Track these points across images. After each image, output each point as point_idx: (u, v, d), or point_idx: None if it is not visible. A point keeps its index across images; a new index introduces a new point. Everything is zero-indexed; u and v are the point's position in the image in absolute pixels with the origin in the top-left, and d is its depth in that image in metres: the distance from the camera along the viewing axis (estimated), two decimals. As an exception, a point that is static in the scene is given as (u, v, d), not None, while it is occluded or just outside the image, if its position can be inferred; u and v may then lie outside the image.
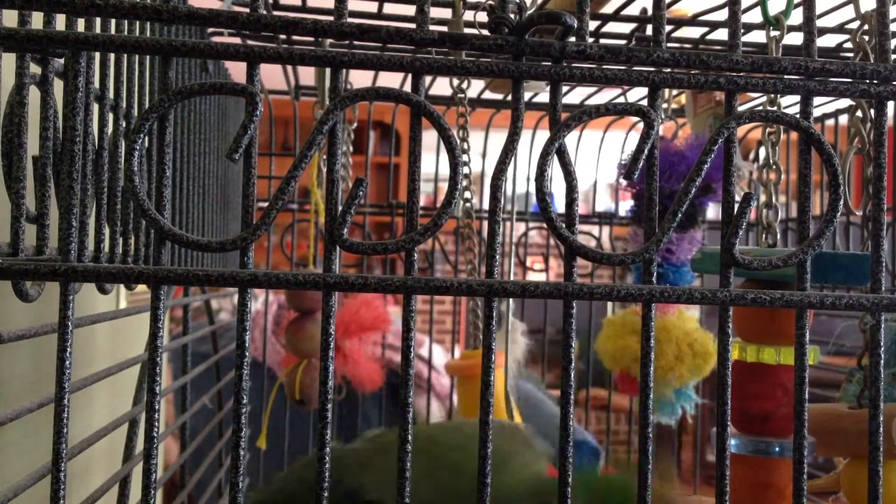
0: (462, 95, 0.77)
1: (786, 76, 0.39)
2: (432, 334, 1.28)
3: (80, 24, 0.43)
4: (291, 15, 0.42)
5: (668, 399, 0.87)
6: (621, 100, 1.09)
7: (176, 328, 2.02)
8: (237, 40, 0.75)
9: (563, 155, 0.37)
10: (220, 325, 1.29)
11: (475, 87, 0.96)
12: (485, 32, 0.38)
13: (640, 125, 0.38)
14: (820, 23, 0.65)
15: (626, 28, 0.84)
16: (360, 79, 0.78)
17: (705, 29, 0.86)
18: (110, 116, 0.50)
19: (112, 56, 0.49)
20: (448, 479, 0.52)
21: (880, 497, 0.38)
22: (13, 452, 0.69)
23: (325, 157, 1.02)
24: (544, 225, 0.46)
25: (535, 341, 0.97)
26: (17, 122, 0.39)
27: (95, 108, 0.48)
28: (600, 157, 1.28)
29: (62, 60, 0.41)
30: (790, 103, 0.93)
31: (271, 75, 0.92)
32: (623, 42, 0.86)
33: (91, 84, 0.45)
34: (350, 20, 0.37)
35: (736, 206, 0.39)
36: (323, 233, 0.40)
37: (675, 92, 0.93)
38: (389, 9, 0.83)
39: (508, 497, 0.50)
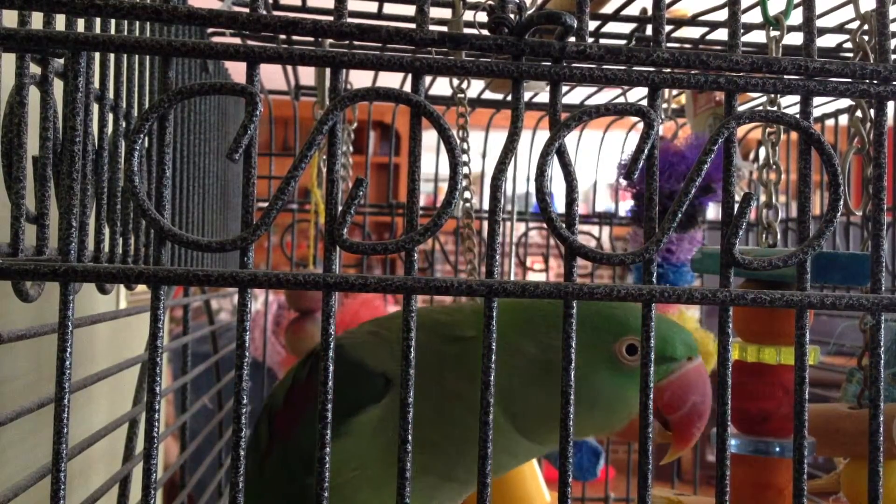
0: (462, 95, 0.77)
1: (786, 76, 0.39)
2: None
3: (80, 24, 0.43)
4: (291, 15, 0.42)
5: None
6: (621, 100, 1.09)
7: (176, 328, 2.02)
8: (237, 40, 0.75)
9: (563, 155, 0.37)
10: (220, 325, 1.29)
11: (475, 87, 0.96)
12: (485, 32, 0.38)
13: (640, 125, 0.38)
14: (820, 23, 0.65)
15: (626, 28, 0.84)
16: (360, 79, 0.78)
17: (705, 29, 0.86)
18: (110, 116, 0.50)
19: (112, 56, 0.49)
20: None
21: (880, 497, 0.38)
22: (13, 452, 0.69)
23: (325, 157, 1.02)
24: (544, 225, 0.46)
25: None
26: (17, 122, 0.39)
27: (95, 108, 0.48)
28: (600, 157, 1.27)
29: (62, 60, 0.41)
30: (790, 103, 0.93)
31: (271, 75, 0.92)
32: (623, 42, 0.86)
33: (91, 84, 0.45)
34: (350, 20, 0.37)
35: (736, 206, 0.39)
36: (323, 233, 0.40)
37: (675, 92, 0.93)
38: (389, 9, 0.83)
39: None
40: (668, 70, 0.39)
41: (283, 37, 0.88)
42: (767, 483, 0.57)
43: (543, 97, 0.97)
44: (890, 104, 0.40)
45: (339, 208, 0.36)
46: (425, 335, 0.55)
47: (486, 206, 1.26)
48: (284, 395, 0.61)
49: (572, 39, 0.38)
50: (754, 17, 0.62)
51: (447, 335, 0.56)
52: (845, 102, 1.02)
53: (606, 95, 1.13)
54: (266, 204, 0.36)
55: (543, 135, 0.46)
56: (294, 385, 0.61)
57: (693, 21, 0.84)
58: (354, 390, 0.56)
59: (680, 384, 0.53)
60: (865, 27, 0.60)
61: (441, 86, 0.97)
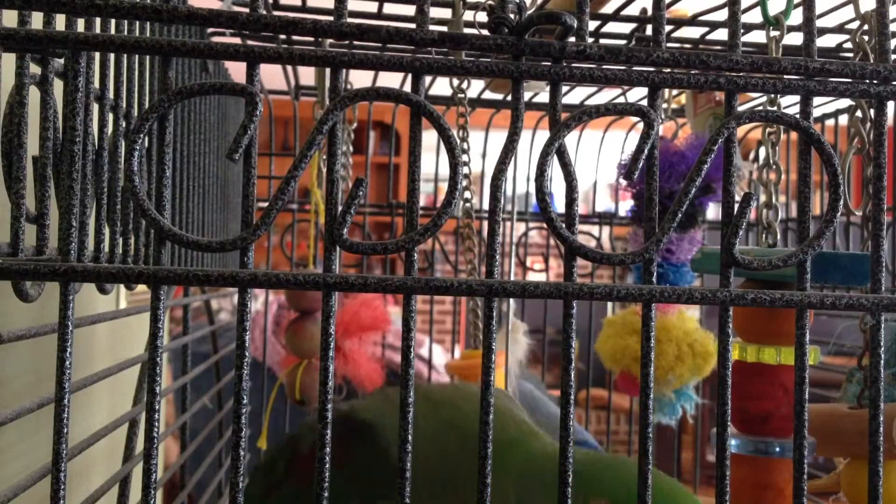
0: (462, 95, 0.77)
1: (786, 76, 0.39)
2: (432, 334, 1.28)
3: (80, 24, 0.43)
4: (291, 15, 0.42)
5: (669, 399, 0.87)
6: (621, 100, 1.09)
7: (176, 328, 2.02)
8: (237, 40, 0.75)
9: (563, 155, 0.37)
10: (220, 325, 1.29)
11: (475, 87, 0.96)
12: (485, 32, 0.38)
13: (640, 125, 0.38)
14: (820, 23, 0.65)
15: (626, 28, 0.84)
16: (360, 79, 0.78)
17: (705, 29, 0.86)
18: (110, 116, 0.50)
19: (112, 56, 0.49)
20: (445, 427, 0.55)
21: (880, 497, 0.38)
22: (13, 452, 0.69)
23: (325, 157, 1.02)
24: (544, 225, 0.46)
25: (535, 341, 0.97)
26: (17, 122, 0.39)
27: (95, 108, 0.48)
28: (600, 157, 1.27)
29: (62, 60, 0.41)
30: (790, 103, 0.93)
31: (271, 75, 0.92)
32: (623, 42, 0.86)
33: (91, 84, 0.45)
34: (350, 20, 0.37)
35: (736, 206, 0.39)
36: (323, 233, 0.40)
37: (675, 92, 0.93)
38: (389, 9, 0.83)
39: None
40: (668, 70, 0.39)
41: (283, 37, 0.88)
42: (767, 483, 0.57)
43: (543, 97, 0.97)
44: (890, 104, 0.40)
45: (339, 208, 0.36)
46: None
47: (486, 206, 1.26)
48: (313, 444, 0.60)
49: (572, 39, 0.38)
50: (754, 17, 0.62)
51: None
52: (845, 102, 1.02)
53: (606, 95, 1.13)
54: (266, 204, 0.36)
55: (543, 135, 0.46)
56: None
57: (693, 21, 0.84)
58: (384, 477, 0.53)
59: None
60: (865, 27, 0.60)
61: (441, 86, 0.97)
